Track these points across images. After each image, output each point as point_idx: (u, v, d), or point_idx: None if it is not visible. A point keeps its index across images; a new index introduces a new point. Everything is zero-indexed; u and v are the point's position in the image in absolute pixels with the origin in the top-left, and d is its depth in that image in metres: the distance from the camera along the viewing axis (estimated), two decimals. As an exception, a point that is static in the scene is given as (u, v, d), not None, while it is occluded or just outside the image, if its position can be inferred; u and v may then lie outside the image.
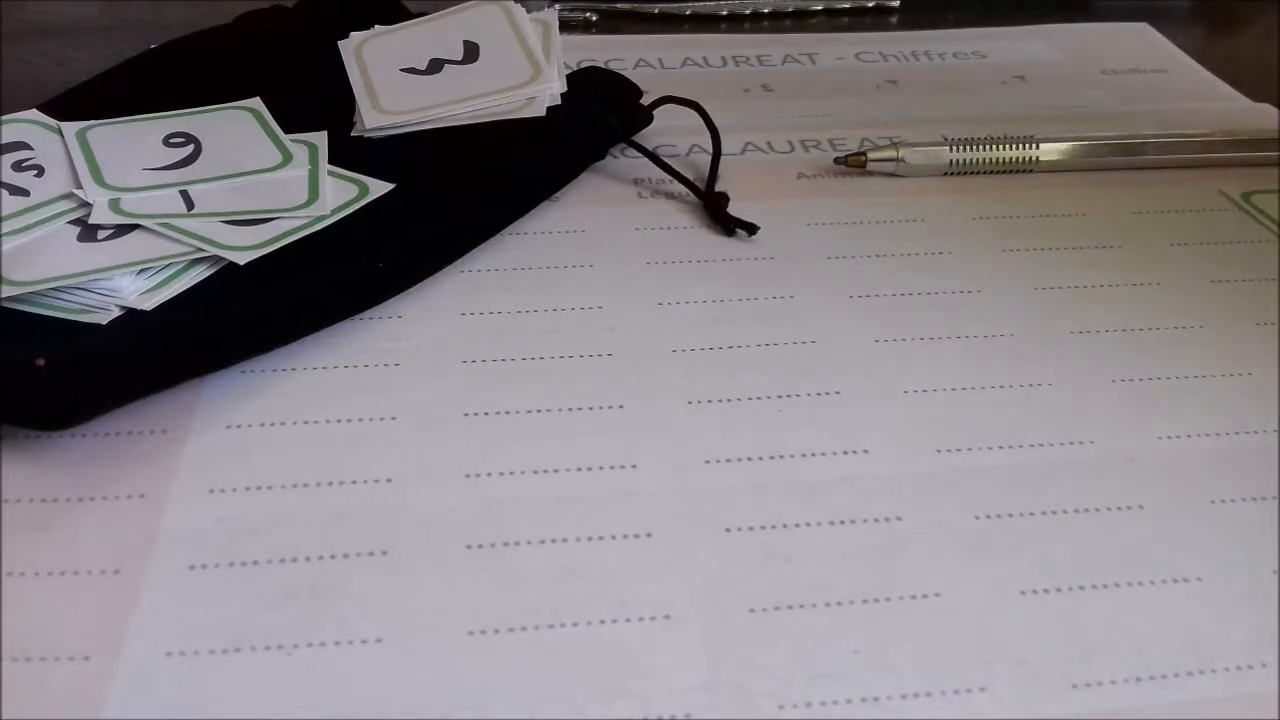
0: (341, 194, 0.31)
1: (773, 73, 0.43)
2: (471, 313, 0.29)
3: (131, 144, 0.31)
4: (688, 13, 0.48)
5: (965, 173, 0.36)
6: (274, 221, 0.29)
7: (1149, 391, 0.27)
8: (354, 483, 0.24)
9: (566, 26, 0.45)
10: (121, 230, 0.28)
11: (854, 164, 0.35)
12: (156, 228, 0.28)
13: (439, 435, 0.25)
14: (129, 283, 0.27)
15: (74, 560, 0.22)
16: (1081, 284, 0.31)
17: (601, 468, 0.24)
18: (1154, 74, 0.44)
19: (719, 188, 0.34)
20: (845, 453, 0.25)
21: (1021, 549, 0.23)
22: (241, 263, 0.28)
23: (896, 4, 0.50)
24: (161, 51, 0.38)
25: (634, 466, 0.25)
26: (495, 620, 0.21)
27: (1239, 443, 0.26)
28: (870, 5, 0.50)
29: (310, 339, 0.27)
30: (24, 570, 0.22)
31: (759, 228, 0.32)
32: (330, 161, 0.32)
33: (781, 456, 0.25)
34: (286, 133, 0.33)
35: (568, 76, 0.36)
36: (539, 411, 0.26)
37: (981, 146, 0.35)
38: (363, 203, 0.31)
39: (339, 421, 0.25)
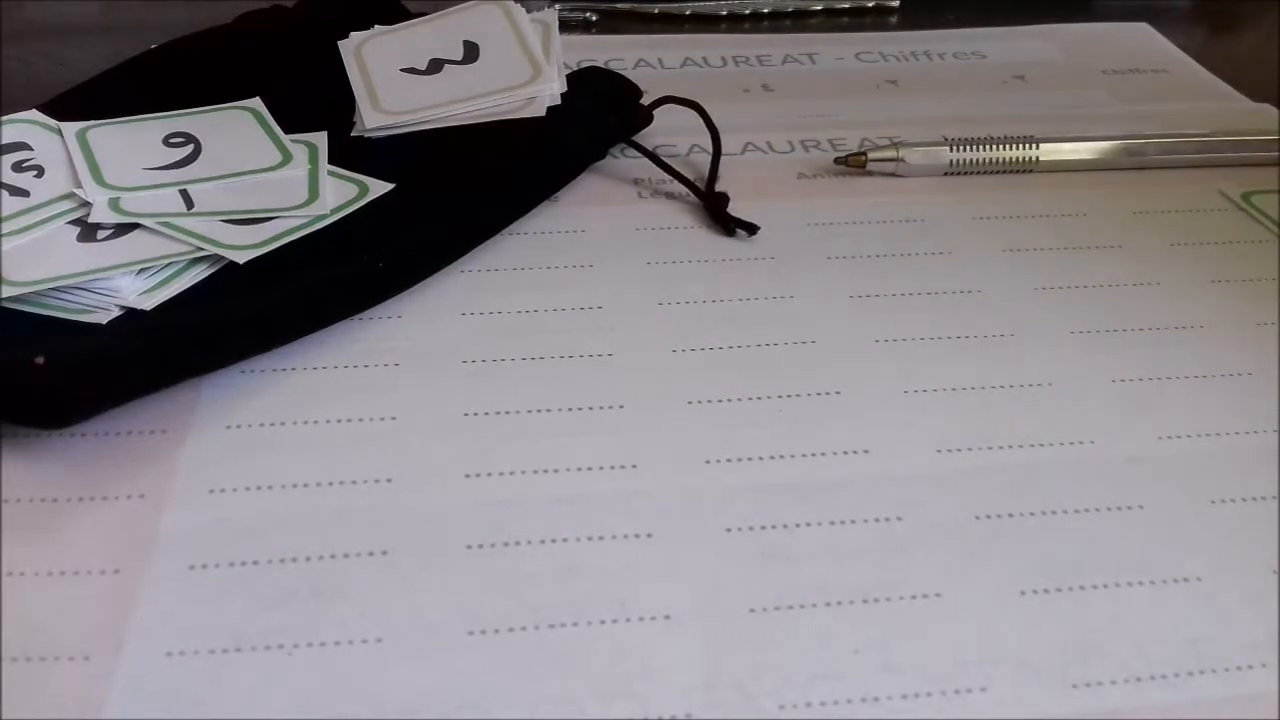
0: (341, 194, 0.31)
1: (773, 73, 0.43)
2: (471, 313, 0.29)
3: (131, 144, 0.31)
4: (688, 13, 0.48)
5: (965, 173, 0.36)
6: (274, 221, 0.29)
7: (1149, 391, 0.27)
8: (354, 483, 0.24)
9: (566, 26, 0.45)
10: (121, 230, 0.28)
11: (854, 164, 0.35)
12: (156, 227, 0.28)
13: (439, 435, 0.25)
14: (129, 282, 0.27)
15: (74, 560, 0.22)
16: (1081, 284, 0.31)
17: (601, 468, 0.24)
18: (1154, 74, 0.44)
19: (719, 188, 0.34)
20: (845, 453, 0.25)
21: (1021, 549, 0.23)
22: (241, 262, 0.28)
23: (896, 4, 0.50)
24: (161, 51, 0.38)
25: (634, 466, 0.25)
26: (495, 620, 0.21)
27: (1239, 443, 0.26)
28: (870, 5, 0.50)
29: (310, 339, 0.27)
30: (24, 570, 0.22)
31: (759, 228, 0.32)
32: (330, 161, 0.32)
33: (781, 456, 0.25)
34: (286, 133, 0.33)
35: (568, 76, 0.36)
36: (539, 411, 0.26)
37: (981, 146, 0.35)
38: (363, 203, 0.31)
39: (339, 421, 0.25)
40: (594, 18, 0.48)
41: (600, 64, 0.40)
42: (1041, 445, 0.26)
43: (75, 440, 0.24)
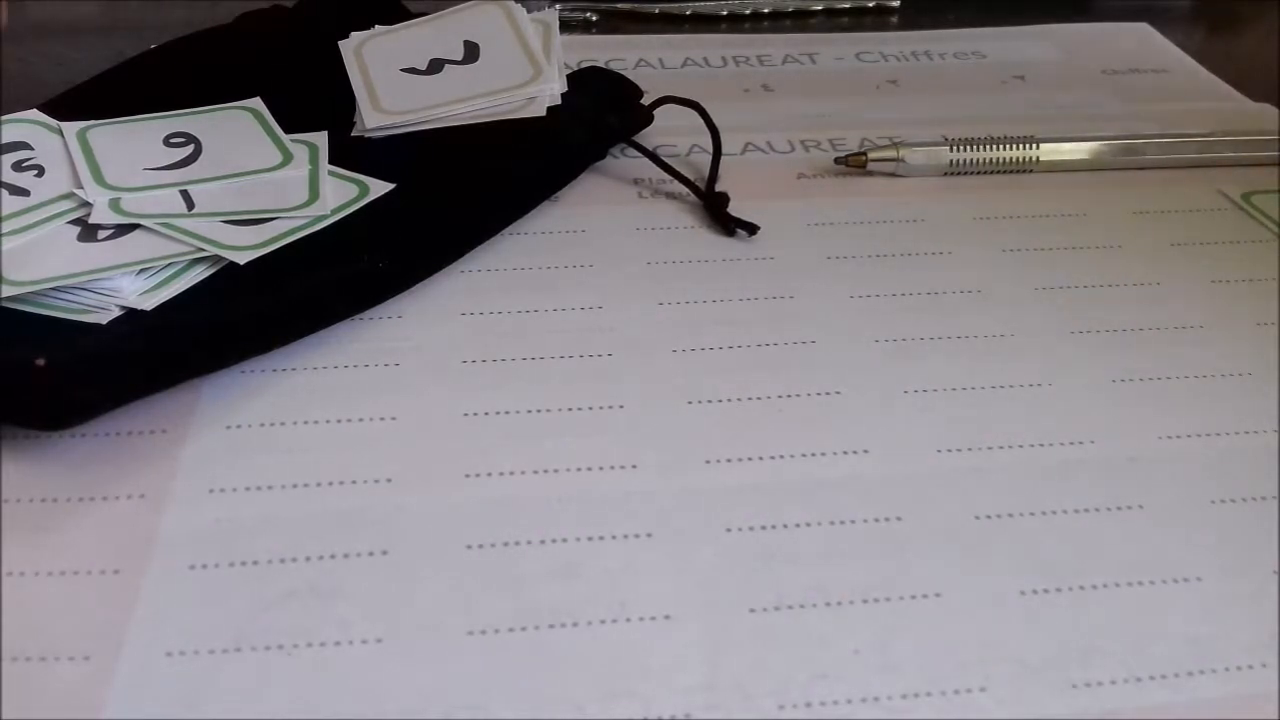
0: (341, 194, 0.31)
1: (773, 73, 0.43)
2: (471, 313, 0.29)
3: (131, 144, 0.31)
4: (688, 13, 0.48)
5: (965, 173, 0.36)
6: (274, 221, 0.29)
7: (1149, 391, 0.27)
8: (354, 483, 0.24)
9: (566, 26, 0.45)
10: (121, 230, 0.28)
11: (854, 164, 0.35)
12: (157, 227, 0.28)
13: (439, 435, 0.25)
14: (129, 283, 0.27)
15: (74, 560, 0.22)
16: (1081, 284, 0.31)
17: (601, 468, 0.24)
18: (1154, 74, 0.44)
19: (719, 188, 0.34)
20: (845, 453, 0.25)
21: (1021, 549, 0.23)
22: (241, 262, 0.28)
23: (896, 4, 0.50)
24: (161, 51, 0.38)
25: (634, 466, 0.25)
26: (495, 620, 0.21)
27: (1239, 443, 0.26)
28: (870, 5, 0.50)
29: (310, 339, 0.27)
30: (24, 570, 0.22)
31: (759, 228, 0.32)
32: (330, 161, 0.32)
33: (781, 456, 0.25)
34: (286, 133, 0.33)
35: (568, 76, 0.36)
36: (539, 411, 0.26)
37: (981, 146, 0.35)
38: (363, 203, 0.31)
39: (339, 421, 0.25)
40: (594, 18, 0.48)
41: (600, 64, 0.40)
42: (1042, 445, 0.26)
43: (75, 440, 0.24)
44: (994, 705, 0.20)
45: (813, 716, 0.20)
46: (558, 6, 0.46)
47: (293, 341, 0.27)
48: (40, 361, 0.24)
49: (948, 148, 0.35)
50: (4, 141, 0.31)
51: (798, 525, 0.23)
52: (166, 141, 0.32)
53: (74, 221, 0.29)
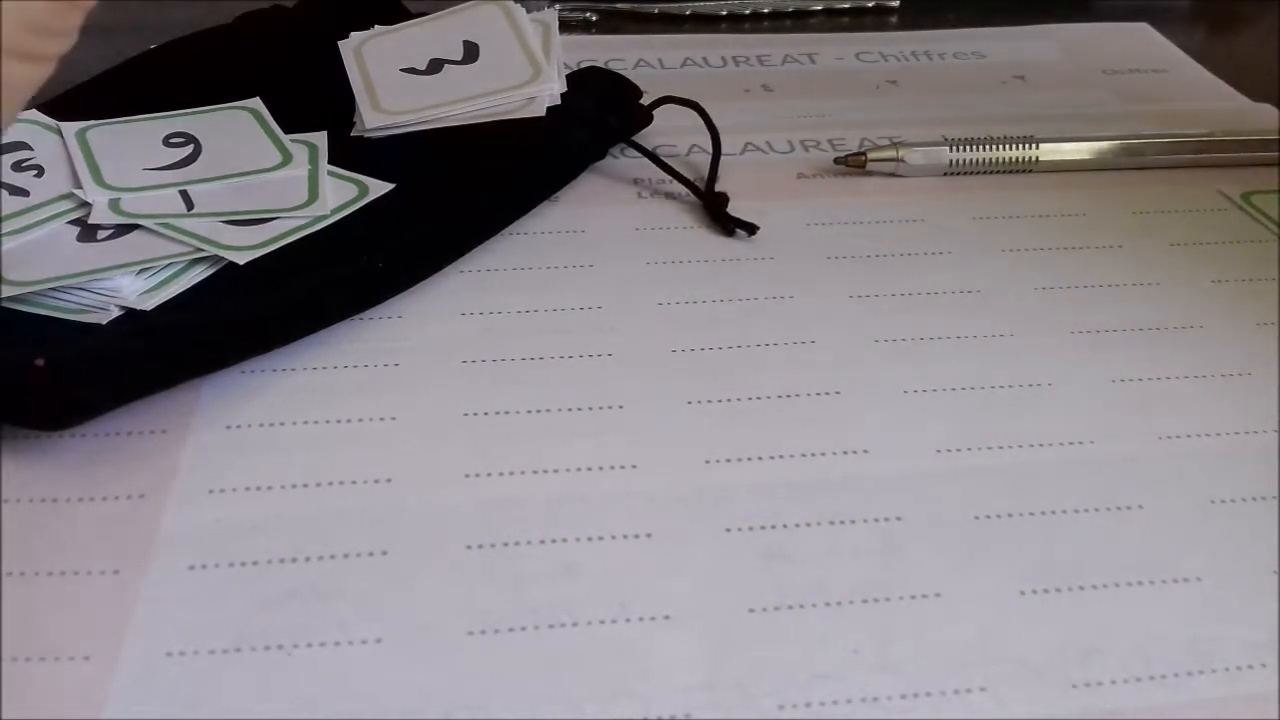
0: (341, 194, 0.31)
1: (773, 73, 0.43)
2: (471, 313, 0.29)
3: (131, 144, 0.31)
4: (688, 13, 0.48)
5: (965, 173, 0.36)
6: (274, 221, 0.29)
7: (1149, 391, 0.27)
8: (354, 483, 0.24)
9: (566, 26, 0.45)
10: (121, 230, 0.28)
11: (854, 164, 0.35)
12: (156, 228, 0.28)
13: (439, 435, 0.25)
14: (129, 283, 0.27)
15: (74, 560, 0.22)
16: (1081, 284, 0.31)
17: (601, 468, 0.24)
18: (1154, 74, 0.44)
19: (719, 188, 0.34)
20: (845, 453, 0.25)
21: (1021, 549, 0.23)
22: (241, 263, 0.28)
23: (896, 4, 0.50)
24: (161, 51, 0.38)
25: (634, 466, 0.25)
26: (495, 620, 0.21)
27: (1239, 443, 0.26)
28: (870, 5, 0.50)
29: (310, 339, 0.27)
30: (24, 570, 0.22)
31: (759, 228, 0.32)
32: (330, 161, 0.32)
33: (781, 456, 0.25)
34: (286, 133, 0.33)
35: (568, 76, 0.36)
36: (539, 411, 0.26)
37: (981, 146, 0.35)
38: (363, 203, 0.31)
39: (339, 422, 0.25)
40: (594, 18, 0.48)
41: (600, 64, 0.40)
42: (1041, 445, 0.26)
43: (75, 440, 0.24)
44: (994, 705, 0.20)
45: (813, 716, 0.20)
46: (557, 6, 0.46)
47: (293, 341, 0.27)
48: (40, 361, 0.24)
49: (948, 148, 0.35)
50: (4, 141, 0.31)
51: (798, 525, 0.23)
52: (166, 141, 0.32)
53: (74, 221, 0.29)
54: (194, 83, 0.35)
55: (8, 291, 0.26)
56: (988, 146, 0.35)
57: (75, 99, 0.35)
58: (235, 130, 0.33)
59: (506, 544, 0.23)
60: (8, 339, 0.25)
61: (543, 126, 0.34)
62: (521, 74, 0.35)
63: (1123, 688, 0.20)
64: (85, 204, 0.29)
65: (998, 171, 0.36)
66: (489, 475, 0.24)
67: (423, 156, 0.33)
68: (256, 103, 0.34)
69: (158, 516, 0.23)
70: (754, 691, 0.20)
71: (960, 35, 0.47)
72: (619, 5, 0.48)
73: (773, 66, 0.44)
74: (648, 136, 0.36)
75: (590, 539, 0.23)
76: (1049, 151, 0.36)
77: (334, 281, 0.28)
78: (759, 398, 0.27)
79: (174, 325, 0.26)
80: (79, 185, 0.29)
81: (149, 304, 0.27)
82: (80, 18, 0.21)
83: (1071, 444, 0.26)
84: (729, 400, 0.26)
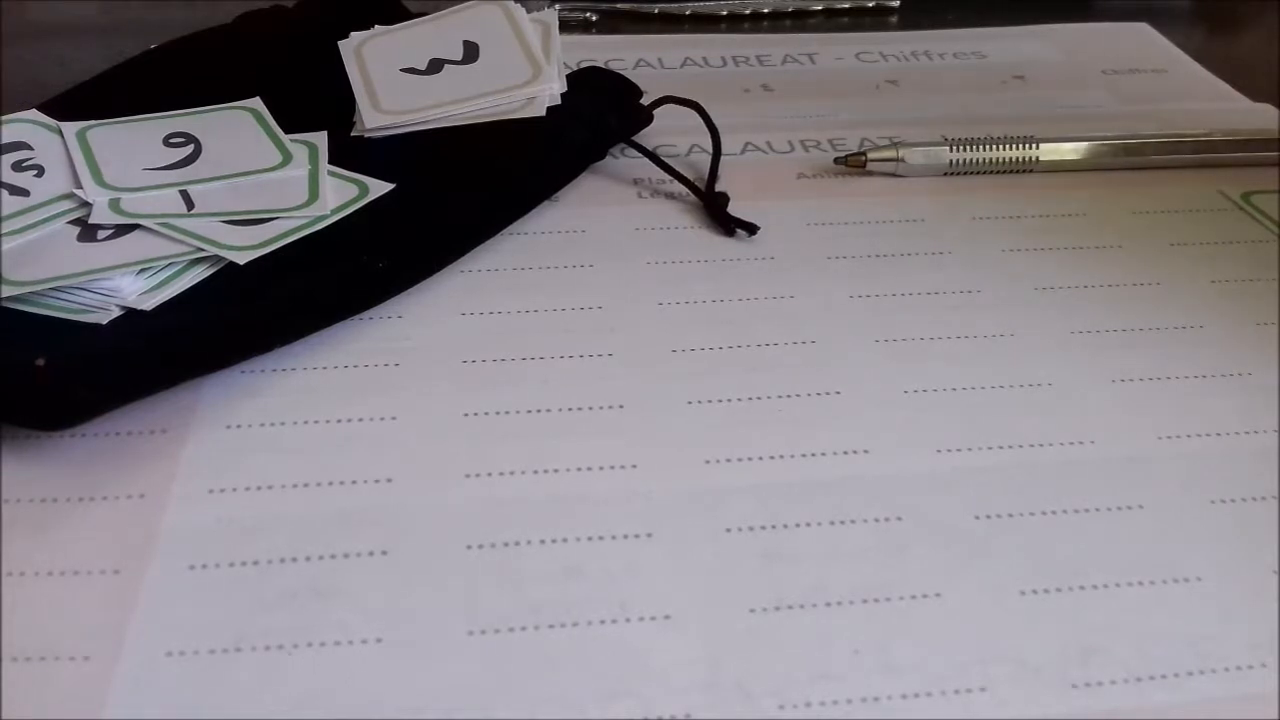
0: (341, 194, 0.31)
1: (773, 73, 0.43)
2: (471, 313, 0.29)
3: (131, 144, 0.31)
4: (688, 13, 0.48)
5: (965, 173, 0.36)
6: (274, 221, 0.29)
7: (1149, 391, 0.27)
8: (354, 483, 0.24)
9: (566, 26, 0.45)
10: (121, 230, 0.28)
11: (854, 164, 0.35)
12: (156, 228, 0.28)
13: (439, 435, 0.25)
14: (129, 283, 0.27)
15: (74, 560, 0.22)
16: (1081, 284, 0.31)
17: (601, 468, 0.24)
18: (1154, 74, 0.44)
19: (719, 188, 0.34)
20: (845, 453, 0.25)
21: (1021, 549, 0.23)
22: (241, 263, 0.28)
23: (896, 4, 0.50)
24: (161, 51, 0.38)
25: (634, 466, 0.25)
26: (495, 620, 0.21)
27: (1239, 443, 0.26)
28: (870, 5, 0.50)
29: (310, 339, 0.27)
30: (24, 570, 0.22)
31: (759, 228, 0.32)
32: (330, 161, 0.32)
33: (781, 456, 0.25)
34: (286, 133, 0.33)
35: (568, 76, 0.36)
36: (539, 411, 0.26)
37: (981, 146, 0.35)
38: (363, 203, 0.31)
39: (339, 421, 0.25)
40: (594, 18, 0.48)
41: (600, 64, 0.40)
42: (1041, 445, 0.26)
43: (75, 440, 0.24)
44: (994, 705, 0.20)
45: (813, 716, 0.20)
46: (557, 6, 0.46)
47: (292, 341, 0.27)
48: (40, 361, 0.24)
49: (948, 148, 0.35)
50: (4, 141, 0.31)
51: (798, 525, 0.23)
52: (166, 141, 0.32)
53: (74, 221, 0.29)
54: (194, 83, 0.35)
55: (8, 291, 0.26)
56: (988, 146, 0.36)
57: (75, 99, 0.35)
58: (235, 130, 0.33)
59: (506, 544, 0.23)
60: (8, 339, 0.25)
61: (543, 126, 0.34)
62: (521, 74, 0.35)
63: (1122, 688, 0.20)
64: (85, 204, 0.29)
65: (998, 171, 0.36)
66: (489, 475, 0.24)
67: (423, 156, 0.33)
68: (256, 103, 0.34)
69: (158, 516, 0.23)
70: (754, 691, 0.20)
71: (960, 35, 0.47)
72: (619, 5, 0.48)
73: (773, 66, 0.44)
74: (648, 136, 0.36)
75: (590, 539, 0.23)
76: (1049, 151, 0.36)
77: (334, 281, 0.28)
78: (759, 398, 0.27)
79: (174, 325, 0.26)
80: (79, 185, 0.29)
81: (149, 304, 0.27)
82: None
83: (1071, 444, 0.26)
84: (729, 400, 0.26)
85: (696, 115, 0.35)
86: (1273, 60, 0.45)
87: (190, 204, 0.30)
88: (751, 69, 0.43)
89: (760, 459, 0.25)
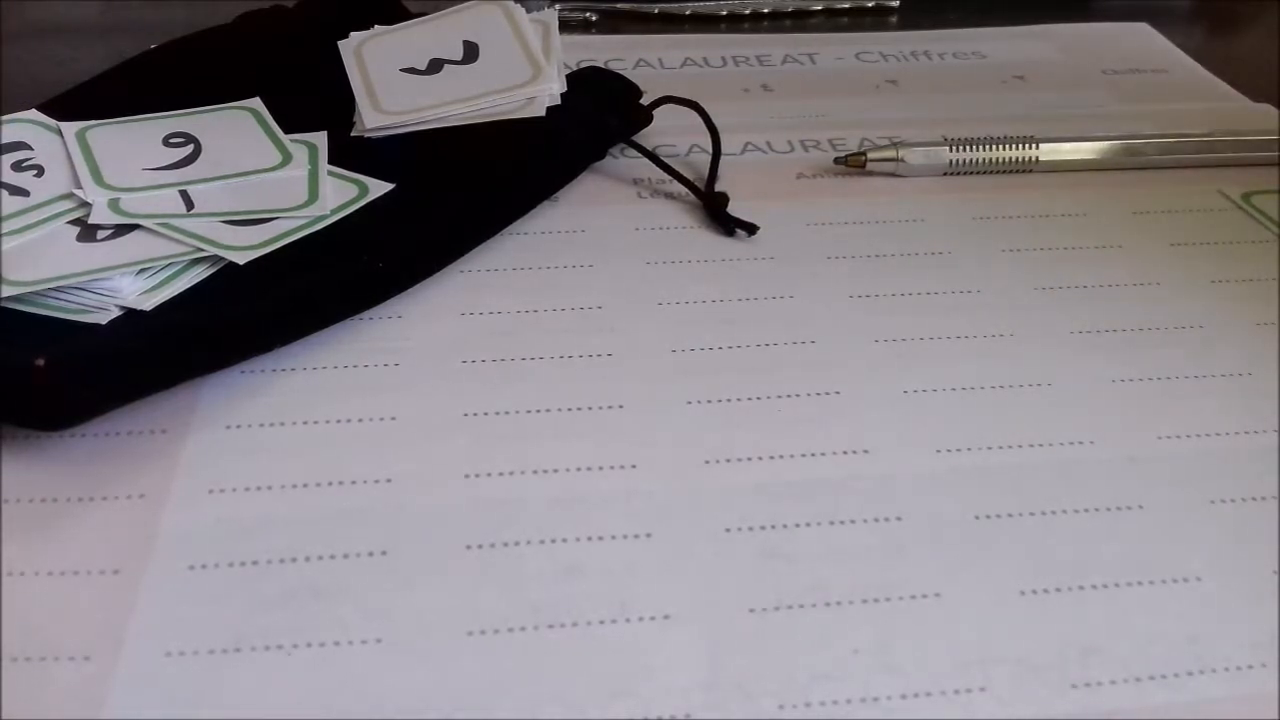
0: (341, 194, 0.31)
1: (773, 73, 0.43)
2: (471, 313, 0.29)
3: (131, 144, 0.31)
4: (688, 13, 0.48)
5: (965, 173, 0.36)
6: (274, 221, 0.29)
7: (1149, 391, 0.27)
8: (354, 483, 0.24)
9: (566, 26, 0.45)
10: (121, 230, 0.28)
11: (854, 164, 0.35)
12: (156, 228, 0.28)
13: (439, 435, 0.25)
14: (129, 283, 0.27)
15: (74, 560, 0.22)
16: (1081, 284, 0.31)
17: (601, 468, 0.24)
18: (1154, 74, 0.44)
19: (719, 188, 0.34)
20: (845, 453, 0.25)
21: (1021, 549, 0.23)
22: (241, 263, 0.28)
23: (896, 4, 0.50)
24: (161, 51, 0.38)
25: (634, 466, 0.25)
26: (495, 620, 0.21)
27: (1239, 443, 0.26)
28: (870, 5, 0.50)
29: (310, 339, 0.27)
30: (24, 570, 0.22)
31: (759, 228, 0.32)
32: (330, 161, 0.32)
33: (781, 456, 0.25)
34: (286, 133, 0.33)
35: (568, 76, 0.36)
36: (539, 411, 0.26)
37: (981, 146, 0.35)
38: (362, 203, 0.31)
39: (339, 421, 0.25)
40: (594, 18, 0.48)
41: (600, 64, 0.40)
42: (1041, 445, 0.26)
43: (75, 440, 0.24)
44: (994, 705, 0.20)
45: (813, 716, 0.20)
46: (557, 6, 0.46)
47: (292, 341, 0.27)
48: (40, 361, 0.24)
49: (948, 148, 0.35)
50: (4, 141, 0.31)
51: (798, 525, 0.23)
52: (166, 141, 0.32)
53: (73, 221, 0.29)
54: (194, 83, 0.35)
55: (8, 291, 0.26)
56: (988, 146, 0.36)
57: (75, 99, 0.35)
58: (235, 130, 0.33)
59: (506, 544, 0.23)
60: (7, 339, 0.25)
61: (543, 126, 0.34)
62: (521, 74, 0.35)
63: (1122, 688, 0.20)
64: (85, 204, 0.29)
65: (998, 171, 0.36)
66: (489, 475, 0.24)
67: (423, 156, 0.33)
68: (256, 103, 0.34)
69: (158, 516, 0.23)
70: (754, 691, 0.20)
71: (960, 35, 0.47)
72: (619, 5, 0.48)
73: (773, 66, 0.44)
74: (648, 136, 0.36)
75: (590, 539, 0.23)
76: (1049, 151, 0.36)
77: (334, 281, 0.28)
78: (759, 398, 0.27)
79: (174, 325, 0.26)
80: (79, 185, 0.29)
81: (149, 304, 0.27)
82: None
83: (1071, 444, 0.26)
84: (729, 400, 0.26)
85: (696, 115, 0.35)
86: (1273, 60, 0.45)
87: (190, 204, 0.30)
88: (751, 69, 0.43)
89: (760, 459, 0.25)
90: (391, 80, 0.35)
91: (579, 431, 0.25)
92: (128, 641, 0.20)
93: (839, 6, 0.49)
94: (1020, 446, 0.25)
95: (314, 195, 0.30)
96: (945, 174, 0.36)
